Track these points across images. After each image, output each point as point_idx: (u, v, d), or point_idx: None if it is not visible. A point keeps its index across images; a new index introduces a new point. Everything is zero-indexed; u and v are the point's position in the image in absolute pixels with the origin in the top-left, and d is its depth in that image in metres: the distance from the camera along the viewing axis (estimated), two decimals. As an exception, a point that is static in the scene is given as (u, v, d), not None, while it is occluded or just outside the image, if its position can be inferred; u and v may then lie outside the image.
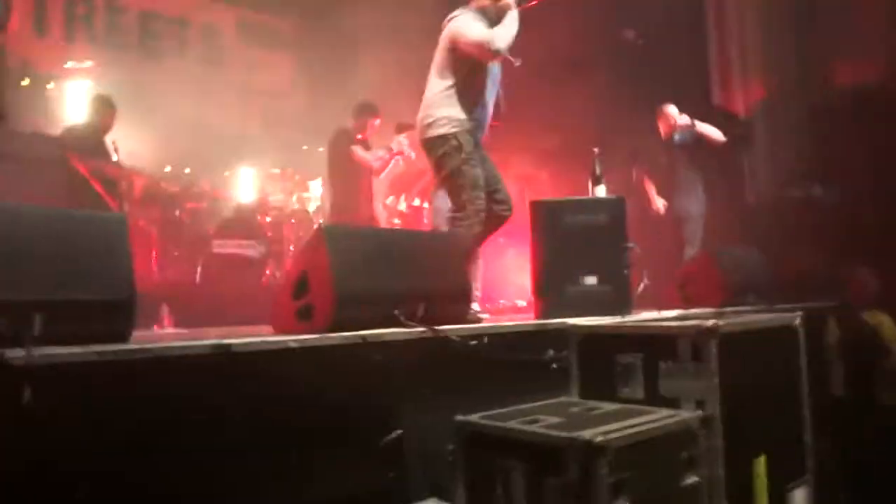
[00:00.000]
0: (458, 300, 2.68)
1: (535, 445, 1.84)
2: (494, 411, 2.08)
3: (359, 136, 5.75)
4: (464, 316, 2.70)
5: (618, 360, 2.33)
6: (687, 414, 2.07)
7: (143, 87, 7.12)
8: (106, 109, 5.46)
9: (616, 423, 1.89)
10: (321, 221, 6.58)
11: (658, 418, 1.99)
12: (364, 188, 5.78)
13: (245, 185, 7.34)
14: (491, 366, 2.40)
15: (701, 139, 5.48)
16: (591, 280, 3.20)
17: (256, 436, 1.86)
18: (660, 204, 5.63)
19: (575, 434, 1.77)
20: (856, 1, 5.81)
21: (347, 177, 5.68)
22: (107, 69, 6.97)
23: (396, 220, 6.51)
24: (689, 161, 5.54)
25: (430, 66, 3.55)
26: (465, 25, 3.36)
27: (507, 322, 3.03)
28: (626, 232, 3.28)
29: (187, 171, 6.84)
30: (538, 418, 1.99)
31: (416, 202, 6.49)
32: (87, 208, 4.88)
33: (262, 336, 2.09)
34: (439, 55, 3.48)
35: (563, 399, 2.39)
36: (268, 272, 6.11)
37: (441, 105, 3.41)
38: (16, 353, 1.53)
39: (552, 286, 3.21)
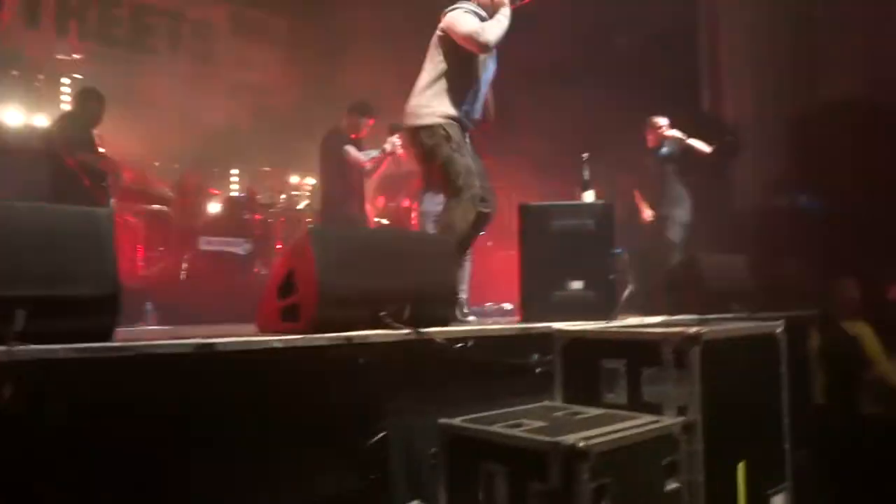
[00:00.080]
0: (444, 303, 2.68)
1: (518, 449, 1.84)
2: (478, 415, 2.09)
3: (352, 136, 5.74)
4: (449, 319, 2.70)
5: (602, 365, 2.34)
6: (669, 420, 2.09)
7: (134, 81, 7.08)
8: (95, 102, 5.41)
9: (599, 429, 1.90)
10: (309, 221, 6.56)
11: (640, 424, 2.00)
12: (356, 188, 5.76)
13: (234, 182, 7.32)
14: (475, 369, 2.41)
15: (688, 151, 5.54)
16: (577, 285, 3.21)
17: (239, 436, 1.85)
18: (648, 213, 5.69)
19: (558, 439, 1.77)
20: (842, 13, 5.87)
21: (339, 176, 5.67)
22: (98, 62, 6.92)
23: (384, 221, 6.51)
24: (676, 171, 5.60)
25: (422, 66, 3.57)
26: (458, 17, 3.41)
27: (493, 325, 3.04)
28: (613, 238, 3.30)
29: (176, 166, 6.81)
30: (522, 422, 1.99)
31: (404, 203, 6.49)
32: (73, 202, 4.85)
33: (246, 336, 2.08)
34: (432, 46, 3.51)
35: (546, 403, 2.40)
36: (254, 270, 6.09)
37: (430, 96, 3.44)
38: (-4, 349, 1.52)
39: (538, 290, 3.22)
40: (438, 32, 3.49)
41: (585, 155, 3.62)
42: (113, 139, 5.58)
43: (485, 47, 3.37)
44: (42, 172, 5.18)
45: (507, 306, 5.51)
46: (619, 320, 3.17)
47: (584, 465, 1.71)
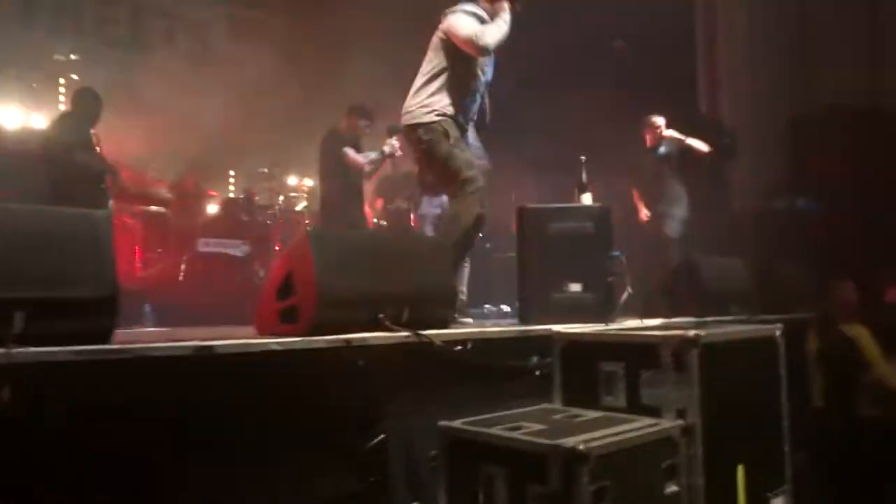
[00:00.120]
0: (442, 305, 2.68)
1: (518, 452, 1.84)
2: (477, 417, 2.08)
3: (351, 138, 5.73)
4: (448, 321, 2.70)
5: (601, 367, 2.34)
6: (668, 423, 2.08)
7: (131, 81, 7.07)
8: (92, 102, 5.40)
9: (598, 431, 1.90)
10: (307, 222, 6.56)
11: (640, 427, 2.00)
12: (355, 190, 5.76)
13: (232, 184, 7.31)
14: (474, 371, 2.41)
15: (686, 151, 5.54)
16: (575, 287, 3.21)
17: (238, 438, 1.85)
18: (646, 212, 5.69)
19: (557, 441, 1.77)
20: (839, 15, 5.89)
21: (338, 178, 5.66)
22: (94, 62, 6.90)
23: (382, 223, 6.50)
24: (673, 171, 5.60)
25: (420, 66, 3.58)
26: (458, 20, 3.42)
27: (492, 328, 3.04)
28: (612, 240, 3.30)
29: (173, 167, 6.80)
30: (521, 425, 1.99)
31: (403, 205, 6.48)
32: (71, 203, 4.83)
33: (244, 338, 2.07)
34: (431, 47, 3.52)
35: (545, 406, 2.40)
36: (252, 272, 6.08)
37: (427, 95, 3.46)
38: (-5, 351, 1.51)
39: (537, 293, 3.21)
40: (438, 34, 3.50)
41: (583, 157, 3.62)
42: (110, 140, 5.56)
43: (483, 50, 3.38)
44: (40, 174, 5.16)
45: (505, 308, 5.52)
46: (618, 323, 3.17)
47: (583, 468, 1.71)
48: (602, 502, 1.74)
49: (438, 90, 3.45)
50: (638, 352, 2.26)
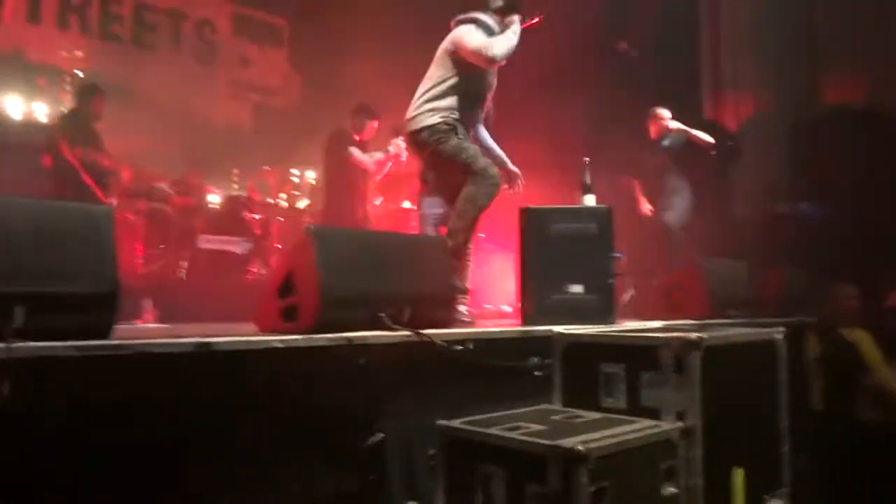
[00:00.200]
0: (443, 304, 2.68)
1: (517, 452, 1.84)
2: (477, 417, 2.08)
3: (356, 138, 5.74)
4: (449, 320, 2.70)
5: (601, 369, 2.34)
6: (668, 425, 2.09)
7: (136, 78, 7.08)
8: (94, 97, 5.41)
9: (597, 432, 1.90)
10: (309, 220, 6.55)
11: (639, 428, 2.00)
12: (359, 189, 5.76)
13: (234, 181, 7.31)
14: (475, 371, 2.40)
15: (690, 144, 5.53)
16: (576, 288, 3.21)
17: (237, 435, 1.85)
18: (646, 207, 5.67)
19: (557, 442, 1.77)
20: (843, 19, 5.88)
21: (343, 178, 5.67)
22: (99, 60, 6.91)
23: (385, 222, 6.49)
24: (676, 165, 5.59)
25: (426, 68, 3.58)
26: (466, 33, 3.45)
27: (492, 328, 3.04)
28: (613, 241, 3.30)
29: (176, 164, 6.79)
30: (520, 425, 1.99)
31: (405, 205, 6.48)
32: (74, 199, 4.84)
33: (245, 335, 2.07)
34: (437, 57, 3.53)
35: (545, 406, 2.40)
36: (253, 269, 6.08)
37: (433, 100, 3.47)
38: (-5, 346, 1.52)
39: (538, 293, 3.21)
40: (446, 44, 3.51)
41: (587, 159, 3.63)
42: (113, 137, 5.57)
43: (491, 62, 3.41)
44: (44, 168, 5.18)
45: (506, 308, 5.51)
46: (619, 324, 3.17)
47: (582, 469, 1.71)
48: (601, 503, 1.74)
49: (444, 97, 3.47)
50: (639, 353, 2.26)
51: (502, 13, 3.51)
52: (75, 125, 5.31)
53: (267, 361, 1.93)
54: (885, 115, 5.43)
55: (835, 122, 5.58)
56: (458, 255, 3.39)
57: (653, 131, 5.73)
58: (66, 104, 5.84)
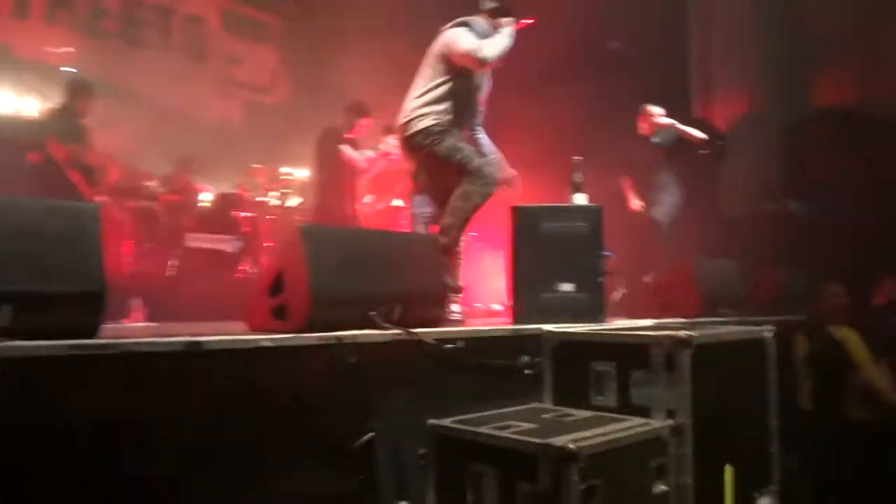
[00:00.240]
0: (434, 303, 2.68)
1: (508, 451, 1.84)
2: (467, 416, 2.08)
3: (347, 136, 5.72)
4: (440, 319, 2.70)
5: (592, 367, 2.34)
6: (658, 423, 2.09)
7: (124, 74, 7.03)
8: (82, 93, 5.37)
9: (588, 431, 1.90)
10: (300, 219, 6.52)
11: (629, 426, 2.01)
12: (350, 188, 5.75)
13: (223, 179, 7.26)
14: (465, 370, 2.40)
15: (680, 140, 5.55)
16: (567, 287, 3.21)
17: (226, 435, 1.83)
18: (636, 204, 5.68)
19: (547, 440, 1.77)
20: (834, 20, 5.92)
21: (334, 176, 5.65)
22: (87, 55, 6.86)
23: (374, 221, 6.48)
24: (667, 161, 5.60)
25: (417, 66, 3.57)
26: (457, 36, 3.44)
27: (483, 326, 3.04)
28: (603, 240, 3.30)
29: (165, 162, 6.75)
30: (511, 424, 1.99)
31: (395, 203, 6.46)
32: (61, 196, 4.80)
33: (235, 334, 2.06)
34: (428, 60, 3.52)
35: (536, 405, 2.40)
36: (242, 268, 6.05)
37: (425, 104, 3.47)
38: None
39: (528, 292, 3.21)
40: (438, 47, 3.50)
41: (577, 158, 3.63)
42: (101, 133, 5.53)
43: (482, 64, 3.40)
44: (30, 164, 5.13)
45: (496, 307, 5.52)
46: (610, 322, 3.17)
47: (573, 467, 1.71)
48: (592, 501, 1.74)
49: (436, 101, 3.46)
50: (629, 352, 2.26)
51: (493, 14, 3.51)
52: (63, 122, 5.26)
53: (257, 360, 1.92)
54: (875, 115, 5.47)
55: (824, 123, 5.61)
56: (450, 252, 3.39)
57: (644, 128, 5.75)
58: (54, 101, 5.79)
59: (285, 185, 6.96)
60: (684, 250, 5.29)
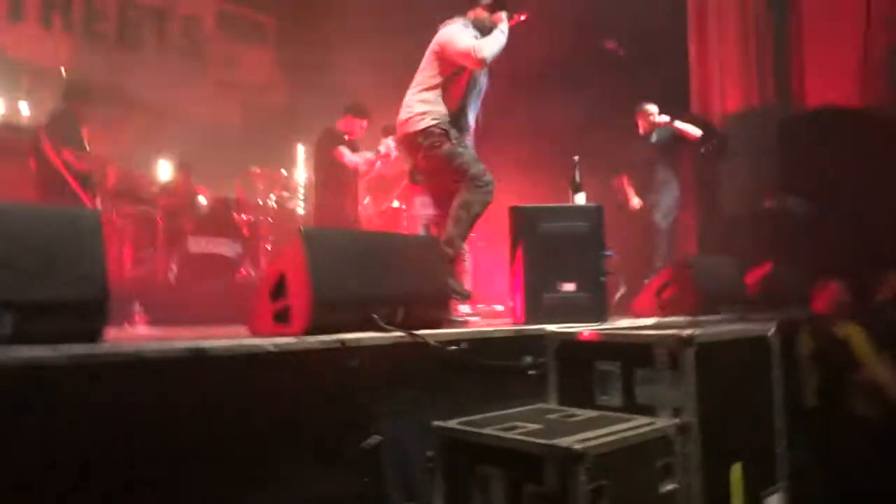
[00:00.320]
0: (437, 305, 2.67)
1: (514, 452, 1.83)
2: (472, 417, 2.07)
3: (346, 137, 5.71)
4: (442, 321, 2.69)
5: (596, 367, 2.34)
6: (664, 422, 2.08)
7: (120, 76, 7.01)
8: (80, 97, 5.35)
9: (594, 431, 1.89)
10: (300, 222, 6.52)
11: (635, 426, 2.00)
12: (350, 189, 5.74)
13: (222, 182, 7.24)
14: (469, 371, 2.39)
15: (679, 138, 5.56)
16: (568, 287, 3.21)
17: (229, 440, 1.82)
18: (636, 202, 5.69)
19: (553, 441, 1.76)
20: (832, 18, 5.92)
21: (333, 177, 5.64)
22: (83, 57, 6.84)
23: (375, 222, 6.47)
24: (665, 159, 5.62)
25: (415, 67, 3.57)
26: (455, 34, 3.44)
27: (486, 328, 3.03)
28: (604, 239, 3.30)
29: (163, 165, 6.74)
30: (516, 425, 1.98)
31: (395, 204, 6.46)
32: (59, 201, 4.79)
33: (238, 339, 2.05)
34: (427, 58, 3.52)
35: (541, 406, 2.39)
36: (243, 271, 6.04)
37: (423, 103, 3.46)
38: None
39: (530, 292, 3.21)
40: (434, 47, 3.50)
41: (576, 157, 3.62)
42: (99, 137, 5.52)
43: (481, 63, 3.40)
44: (28, 169, 5.11)
45: (499, 308, 5.51)
46: (612, 322, 3.17)
47: (580, 468, 1.70)
48: (599, 501, 1.74)
49: (434, 100, 3.47)
50: (633, 351, 2.26)
51: (490, 9, 3.51)
52: (60, 126, 5.23)
53: (260, 365, 1.91)
54: (873, 113, 5.46)
55: (823, 120, 5.60)
56: (455, 261, 3.40)
57: (641, 126, 5.76)
58: (50, 104, 5.77)
59: (285, 188, 6.95)
60: (684, 248, 5.29)
